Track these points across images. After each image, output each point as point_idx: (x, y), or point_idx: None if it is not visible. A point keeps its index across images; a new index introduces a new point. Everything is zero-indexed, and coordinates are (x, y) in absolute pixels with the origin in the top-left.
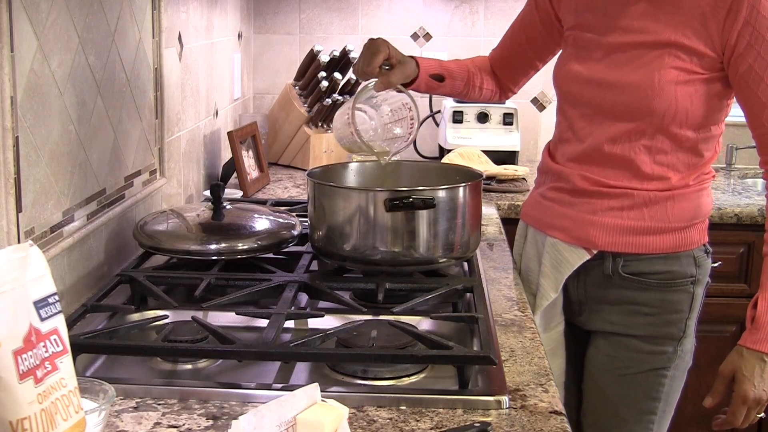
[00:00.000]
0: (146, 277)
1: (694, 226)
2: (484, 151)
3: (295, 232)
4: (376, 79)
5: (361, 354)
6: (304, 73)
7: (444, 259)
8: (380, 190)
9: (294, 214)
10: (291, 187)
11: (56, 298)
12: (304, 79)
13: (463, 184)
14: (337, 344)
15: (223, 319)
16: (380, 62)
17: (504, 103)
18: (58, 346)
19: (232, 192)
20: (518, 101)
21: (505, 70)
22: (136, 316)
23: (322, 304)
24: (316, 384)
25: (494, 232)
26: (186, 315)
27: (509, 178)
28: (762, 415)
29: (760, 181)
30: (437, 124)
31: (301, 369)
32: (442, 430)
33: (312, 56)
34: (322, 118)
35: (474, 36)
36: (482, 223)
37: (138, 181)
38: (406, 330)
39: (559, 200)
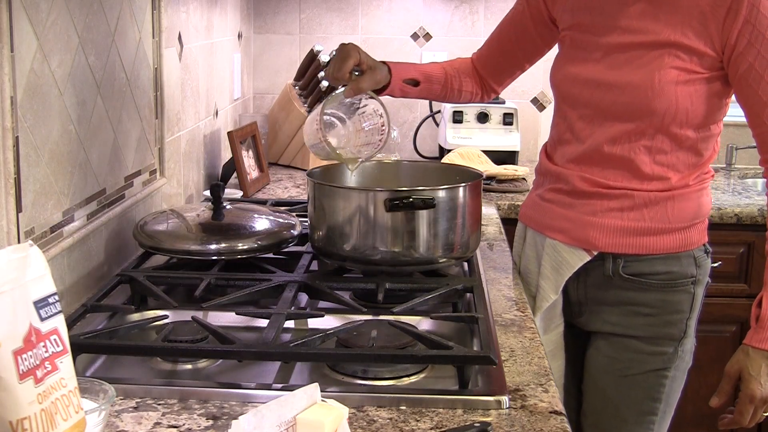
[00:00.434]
0: (146, 277)
1: (694, 226)
2: (484, 151)
3: (295, 232)
4: (347, 86)
5: (361, 354)
6: (304, 73)
7: (444, 259)
8: (380, 190)
9: (294, 214)
10: (291, 187)
11: (56, 298)
12: (304, 79)
13: (463, 184)
14: (337, 344)
15: (223, 319)
16: (350, 67)
17: (504, 102)
18: (58, 346)
19: (232, 192)
20: (518, 101)
21: (490, 69)
22: (136, 316)
23: (322, 304)
24: (316, 384)
25: (494, 232)
26: (186, 315)
27: (509, 178)
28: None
29: (760, 181)
30: (437, 124)
31: (301, 369)
32: (442, 430)
33: (312, 56)
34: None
35: (474, 36)
36: (482, 223)
37: (138, 181)
38: (406, 330)
39: (558, 202)
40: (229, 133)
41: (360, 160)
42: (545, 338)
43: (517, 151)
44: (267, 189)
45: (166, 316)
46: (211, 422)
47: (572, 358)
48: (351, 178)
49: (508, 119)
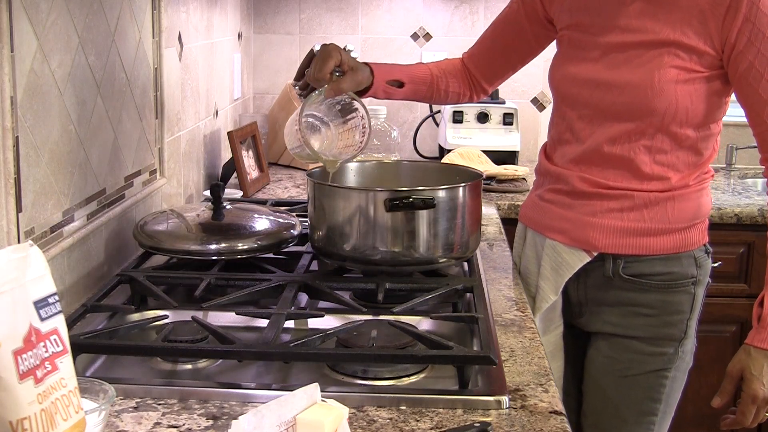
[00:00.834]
0: (146, 277)
1: (695, 226)
2: (484, 151)
3: (295, 232)
4: (327, 86)
5: (361, 354)
6: (304, 73)
7: (444, 259)
8: (380, 190)
9: (294, 214)
10: (291, 187)
11: (56, 298)
12: (304, 79)
13: (463, 184)
14: (337, 344)
15: (223, 319)
16: (331, 68)
17: (504, 102)
18: (58, 346)
19: (232, 192)
20: (518, 101)
21: (482, 69)
22: (136, 316)
23: (322, 304)
24: (316, 384)
25: (494, 232)
26: (186, 315)
27: (509, 178)
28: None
29: (761, 181)
30: (437, 124)
31: (301, 369)
32: (442, 430)
33: (312, 56)
34: None
35: (474, 36)
36: (482, 223)
37: (138, 181)
38: (406, 330)
39: (558, 202)
40: (229, 133)
41: (339, 162)
42: (545, 339)
43: (517, 151)
44: (267, 189)
45: (166, 316)
46: (211, 422)
47: (572, 358)
48: (351, 178)
49: (508, 119)
